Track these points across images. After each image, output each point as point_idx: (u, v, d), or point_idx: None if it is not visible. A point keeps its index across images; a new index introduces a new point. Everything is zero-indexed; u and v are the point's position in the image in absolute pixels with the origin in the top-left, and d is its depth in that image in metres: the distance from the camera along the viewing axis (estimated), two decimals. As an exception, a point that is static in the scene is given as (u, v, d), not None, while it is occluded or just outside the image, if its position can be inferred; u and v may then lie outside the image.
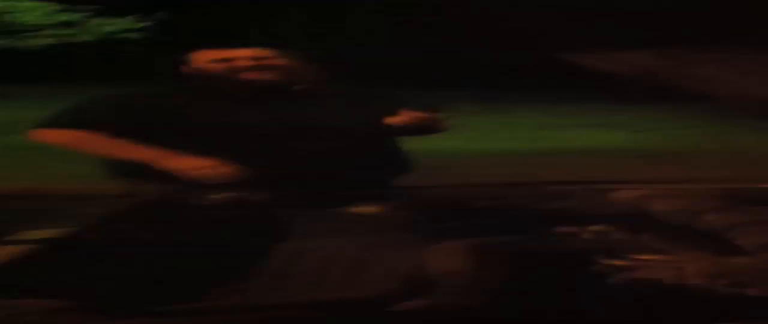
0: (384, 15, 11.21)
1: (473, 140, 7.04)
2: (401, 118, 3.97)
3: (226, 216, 3.18)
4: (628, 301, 2.28)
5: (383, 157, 3.96)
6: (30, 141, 3.83)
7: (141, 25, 14.11)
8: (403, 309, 2.07)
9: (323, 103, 4.15)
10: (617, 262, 2.47)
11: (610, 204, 3.43)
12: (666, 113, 7.25)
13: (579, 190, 3.87)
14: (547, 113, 8.46)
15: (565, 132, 8.02)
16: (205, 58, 4.08)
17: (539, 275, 2.43)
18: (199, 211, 3.17)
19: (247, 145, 3.86)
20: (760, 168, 4.80)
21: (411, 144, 4.07)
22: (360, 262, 2.44)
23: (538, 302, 2.22)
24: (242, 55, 4.07)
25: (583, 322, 2.20)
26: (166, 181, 3.59)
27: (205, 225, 3.06)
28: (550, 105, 8.45)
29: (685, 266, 2.41)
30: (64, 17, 13.72)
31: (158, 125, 3.87)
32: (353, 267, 2.41)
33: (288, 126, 3.99)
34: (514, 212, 3.42)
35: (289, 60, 4.13)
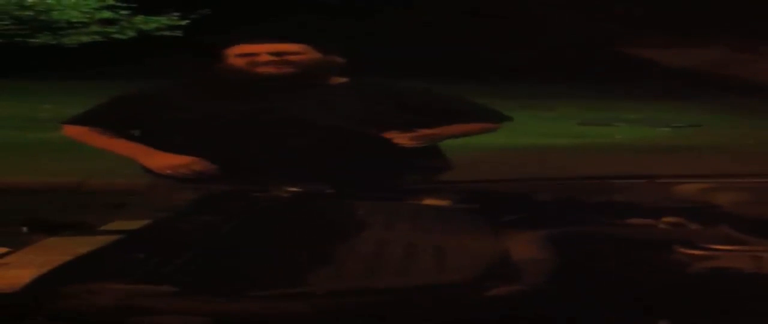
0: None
1: (513, 136, 7.01)
2: (404, 138, 4.02)
3: (296, 207, 3.23)
4: (711, 288, 2.29)
5: (399, 158, 3.99)
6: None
7: (183, 22, 14.27)
8: (492, 295, 2.09)
9: (339, 98, 4.20)
10: (696, 252, 2.48)
11: (674, 197, 3.45)
12: (723, 108, 7.21)
13: (638, 183, 3.89)
14: (591, 108, 8.43)
15: (607, 128, 7.97)
16: (231, 53, 4.18)
17: (622, 264, 2.45)
18: (273, 203, 3.21)
19: (246, 139, 3.94)
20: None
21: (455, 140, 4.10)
22: (442, 250, 2.47)
23: (624, 289, 2.23)
24: (264, 49, 4.14)
25: (669, 308, 2.21)
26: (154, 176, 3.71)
27: (281, 216, 3.10)
28: (595, 99, 8.42)
29: (763, 256, 2.42)
30: (106, 14, 13.86)
31: (163, 120, 3.99)
32: (435, 255, 2.43)
33: (294, 121, 4.06)
34: (580, 204, 3.44)
35: (314, 55, 4.18)
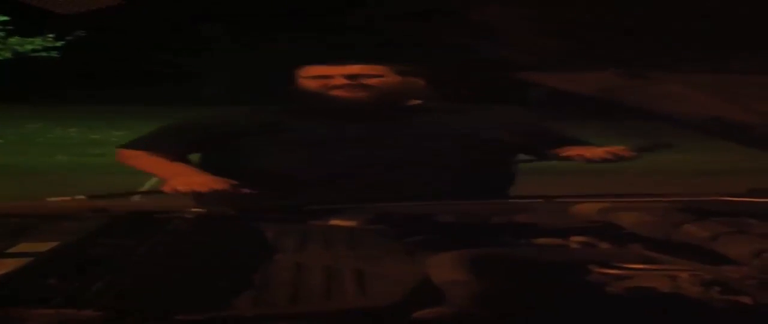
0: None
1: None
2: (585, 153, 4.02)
3: (204, 229, 3.18)
4: (628, 308, 2.29)
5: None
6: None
7: (59, 44, 14.12)
8: (417, 318, 2.06)
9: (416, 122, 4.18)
10: (611, 272, 2.48)
11: (577, 216, 3.46)
12: (613, 131, 7.30)
13: (538, 204, 3.90)
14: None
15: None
16: (304, 74, 4.14)
17: (541, 284, 2.44)
18: (180, 225, 3.15)
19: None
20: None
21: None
22: (361, 273, 2.44)
23: (547, 309, 2.22)
24: (339, 71, 4.09)
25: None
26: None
27: (192, 238, 3.04)
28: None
29: (678, 275, 2.42)
30: (-20, 36, 13.65)
31: (231, 143, 3.97)
32: (355, 278, 2.40)
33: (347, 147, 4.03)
34: (484, 225, 3.44)
35: (393, 78, 4.14)
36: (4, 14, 13.65)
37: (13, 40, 14.24)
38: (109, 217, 3.24)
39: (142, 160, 4.12)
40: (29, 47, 14.30)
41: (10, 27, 14.22)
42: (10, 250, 2.49)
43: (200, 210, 3.35)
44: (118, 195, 3.84)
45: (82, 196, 3.73)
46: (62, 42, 14.37)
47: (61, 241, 2.67)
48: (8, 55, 14.13)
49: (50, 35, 14.40)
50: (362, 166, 4.02)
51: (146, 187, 4.37)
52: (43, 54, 14.37)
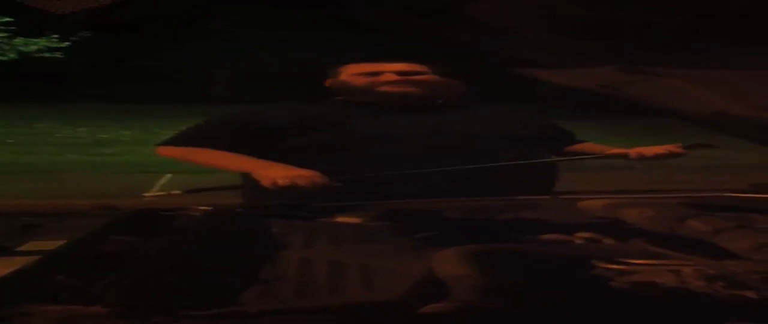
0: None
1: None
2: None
3: (211, 225, 3.19)
4: (632, 303, 2.30)
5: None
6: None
7: (63, 44, 14.15)
8: (423, 313, 2.07)
9: (464, 118, 4.24)
10: (615, 267, 2.49)
11: (581, 213, 3.47)
12: (611, 127, 7.32)
13: (545, 200, 3.92)
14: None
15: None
16: (349, 72, 4.16)
17: (544, 279, 2.45)
18: (186, 222, 3.17)
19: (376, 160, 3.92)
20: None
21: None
22: (366, 268, 2.45)
23: (550, 304, 2.23)
24: (388, 68, 4.13)
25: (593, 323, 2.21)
26: (263, 193, 3.65)
27: (198, 235, 3.05)
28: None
29: (682, 270, 2.43)
30: (-14, 37, 13.67)
31: (277, 140, 3.96)
32: (361, 273, 2.41)
33: (417, 140, 4.06)
34: (490, 222, 3.45)
35: (434, 75, 4.21)
36: (8, 16, 13.67)
37: (18, 40, 14.28)
38: (116, 215, 3.25)
39: (204, 155, 4.04)
40: (33, 48, 14.34)
41: (13, 28, 14.25)
42: (19, 249, 2.50)
43: (207, 208, 3.36)
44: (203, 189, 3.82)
45: (178, 192, 3.75)
46: (67, 43, 14.40)
47: (69, 239, 2.67)
48: (13, 55, 14.18)
49: (55, 36, 14.42)
50: (418, 161, 4.04)
51: (159, 185, 4.33)
52: (47, 55, 14.41)
